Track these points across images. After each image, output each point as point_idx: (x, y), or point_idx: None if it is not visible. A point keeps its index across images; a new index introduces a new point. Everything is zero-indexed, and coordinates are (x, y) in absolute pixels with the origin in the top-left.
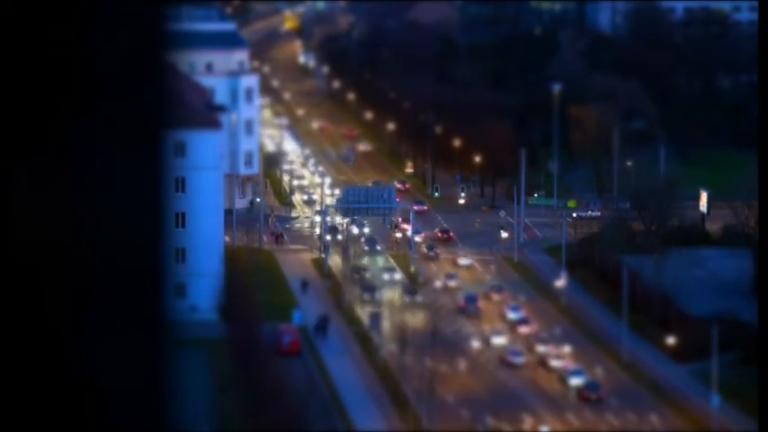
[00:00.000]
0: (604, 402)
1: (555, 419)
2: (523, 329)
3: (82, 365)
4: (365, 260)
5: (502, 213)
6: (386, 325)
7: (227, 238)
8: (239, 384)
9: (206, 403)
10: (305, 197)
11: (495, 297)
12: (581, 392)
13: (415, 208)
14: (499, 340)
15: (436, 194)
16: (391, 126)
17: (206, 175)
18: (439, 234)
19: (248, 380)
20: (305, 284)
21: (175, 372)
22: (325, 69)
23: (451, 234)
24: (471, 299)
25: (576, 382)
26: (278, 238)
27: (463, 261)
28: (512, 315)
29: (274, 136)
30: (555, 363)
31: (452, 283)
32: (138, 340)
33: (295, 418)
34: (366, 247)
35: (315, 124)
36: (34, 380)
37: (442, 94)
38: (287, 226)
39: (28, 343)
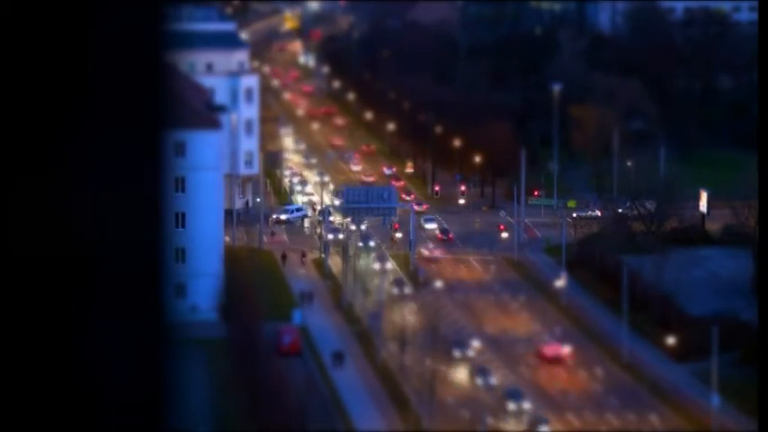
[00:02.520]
0: (454, 242)
1: None
2: (396, 183)
3: (83, 365)
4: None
5: (502, 213)
6: (386, 324)
7: (227, 238)
8: (239, 384)
9: (206, 403)
10: (305, 196)
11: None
12: (436, 235)
13: (416, 208)
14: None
15: (436, 195)
16: (391, 126)
17: (206, 175)
18: (439, 235)
19: (248, 380)
20: (284, 257)
21: (175, 372)
22: (326, 69)
23: (451, 235)
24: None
25: (430, 227)
26: (284, 257)
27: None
28: (387, 171)
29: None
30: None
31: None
32: (138, 340)
33: (295, 418)
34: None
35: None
36: (35, 380)
37: (442, 94)
38: (274, 231)
39: (29, 343)
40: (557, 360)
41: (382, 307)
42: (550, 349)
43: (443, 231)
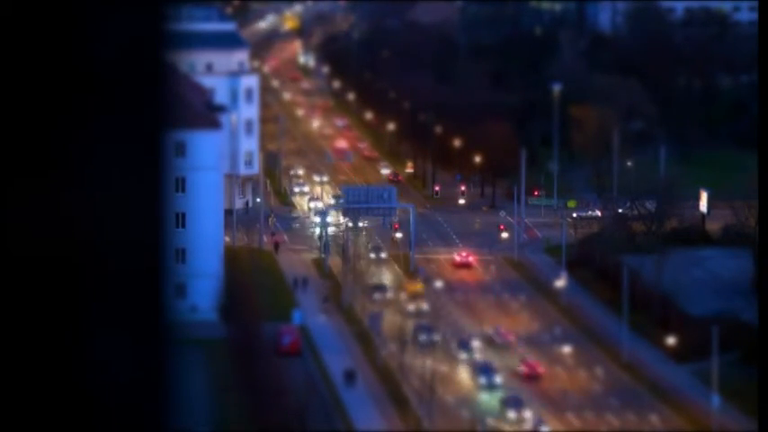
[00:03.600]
0: (402, 183)
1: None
2: (349, 134)
3: (82, 366)
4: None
5: (502, 213)
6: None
7: (227, 239)
8: (239, 384)
9: (206, 403)
10: (305, 197)
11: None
12: (388, 177)
13: (361, 146)
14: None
15: (436, 195)
16: (391, 126)
17: (206, 175)
18: (390, 177)
19: (248, 380)
20: (276, 246)
21: (175, 372)
22: (326, 69)
23: (400, 177)
24: None
25: (384, 171)
26: (277, 246)
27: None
28: (339, 123)
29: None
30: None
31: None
32: (137, 341)
33: (295, 418)
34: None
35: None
36: (34, 381)
37: (442, 94)
38: (278, 229)
39: (28, 344)
40: (465, 265)
41: (382, 307)
42: (459, 257)
43: (394, 174)
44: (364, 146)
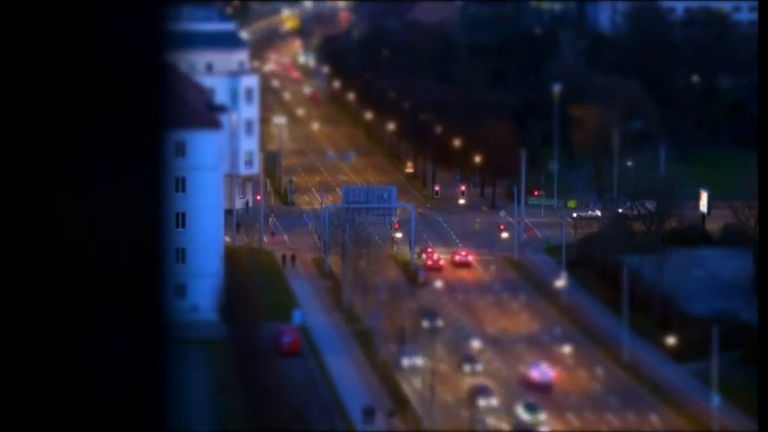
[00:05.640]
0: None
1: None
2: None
3: (82, 366)
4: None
5: (502, 213)
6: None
7: (228, 238)
8: (239, 384)
9: (206, 403)
10: (305, 197)
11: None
12: (308, 95)
13: (294, 76)
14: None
15: (436, 195)
16: (391, 126)
17: (206, 175)
18: (309, 95)
19: (248, 380)
20: (238, 227)
21: (175, 372)
22: (326, 69)
23: (318, 95)
24: None
25: (307, 90)
26: (238, 227)
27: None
28: (283, 60)
29: None
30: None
31: None
32: (137, 340)
33: (295, 418)
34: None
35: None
36: (34, 381)
37: (442, 94)
38: (274, 231)
39: (27, 344)
40: (464, 264)
41: (382, 307)
42: (459, 256)
43: (313, 93)
44: (293, 72)
